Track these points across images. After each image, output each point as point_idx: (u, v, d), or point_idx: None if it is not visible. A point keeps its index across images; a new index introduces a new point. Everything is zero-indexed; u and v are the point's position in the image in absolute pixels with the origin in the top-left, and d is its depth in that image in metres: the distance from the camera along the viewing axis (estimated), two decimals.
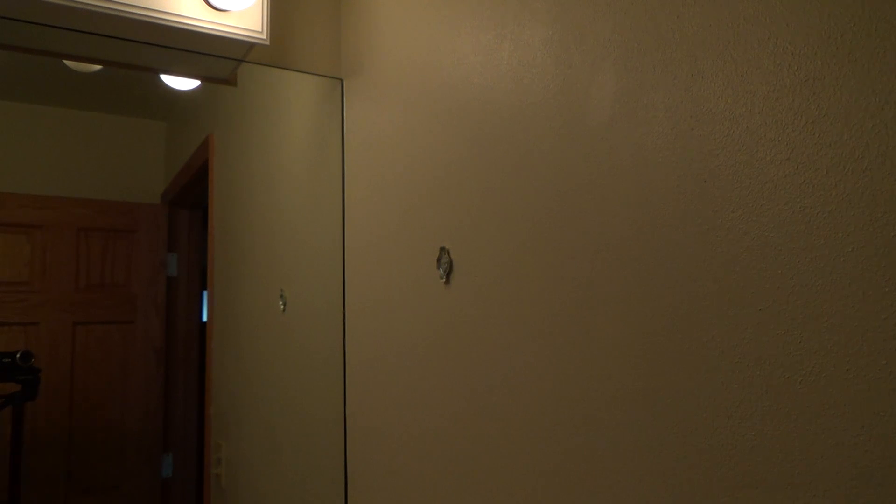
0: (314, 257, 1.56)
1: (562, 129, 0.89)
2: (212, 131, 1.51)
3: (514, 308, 0.97)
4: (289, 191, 1.58)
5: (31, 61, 1.34)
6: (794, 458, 0.60)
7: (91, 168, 1.36)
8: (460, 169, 1.11)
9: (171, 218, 1.43)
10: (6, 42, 1.29)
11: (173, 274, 1.43)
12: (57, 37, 1.31)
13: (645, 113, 0.76)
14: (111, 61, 1.40)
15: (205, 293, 1.48)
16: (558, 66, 0.90)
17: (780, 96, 0.62)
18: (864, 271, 0.55)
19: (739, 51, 0.66)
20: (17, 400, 1.25)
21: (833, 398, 0.57)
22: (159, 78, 1.45)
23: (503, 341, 0.99)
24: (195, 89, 1.49)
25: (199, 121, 1.51)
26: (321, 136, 1.60)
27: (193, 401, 1.43)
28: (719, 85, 0.68)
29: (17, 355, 1.26)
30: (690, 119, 0.70)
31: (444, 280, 1.14)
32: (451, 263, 1.12)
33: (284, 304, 1.53)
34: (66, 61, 1.36)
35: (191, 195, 1.48)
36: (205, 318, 1.47)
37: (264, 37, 1.42)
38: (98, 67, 1.39)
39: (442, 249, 1.14)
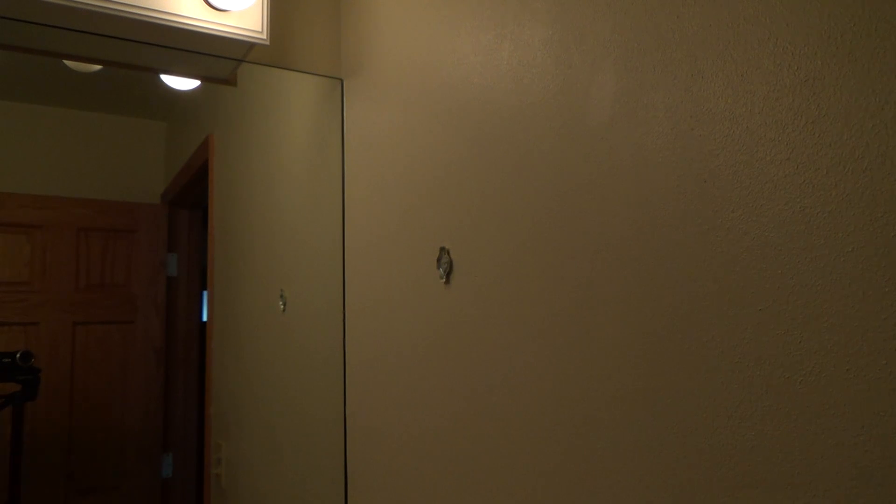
0: (314, 257, 1.56)
1: (562, 129, 0.89)
2: (212, 131, 1.51)
3: (514, 308, 0.97)
4: (289, 191, 1.58)
5: (31, 61, 1.34)
6: (794, 458, 0.60)
7: (91, 168, 1.36)
8: (460, 169, 1.11)
9: (171, 218, 1.43)
10: (6, 42, 1.29)
11: (173, 274, 1.43)
12: (57, 37, 1.31)
13: (645, 113, 0.76)
14: (111, 61, 1.40)
15: (205, 293, 1.48)
16: (558, 66, 0.90)
17: (780, 96, 0.62)
18: (864, 271, 0.55)
19: (739, 51, 0.66)
20: (17, 400, 1.25)
21: (833, 398, 0.57)
22: (159, 78, 1.45)
23: (503, 341, 0.99)
24: (195, 89, 1.49)
25: (199, 121, 1.51)
26: (321, 136, 1.60)
27: (193, 401, 1.43)
28: (719, 85, 0.68)
29: (17, 355, 1.26)
30: (690, 119, 0.70)
31: (444, 280, 1.14)
32: (451, 263, 1.12)
33: (284, 304, 1.53)
34: (66, 61, 1.36)
35: (191, 195, 1.48)
36: (205, 318, 1.47)
37: (264, 37, 1.42)
38: (98, 67, 1.39)
39: (442, 249, 1.14)
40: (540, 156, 0.93)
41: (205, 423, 1.43)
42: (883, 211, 0.54)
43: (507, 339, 0.98)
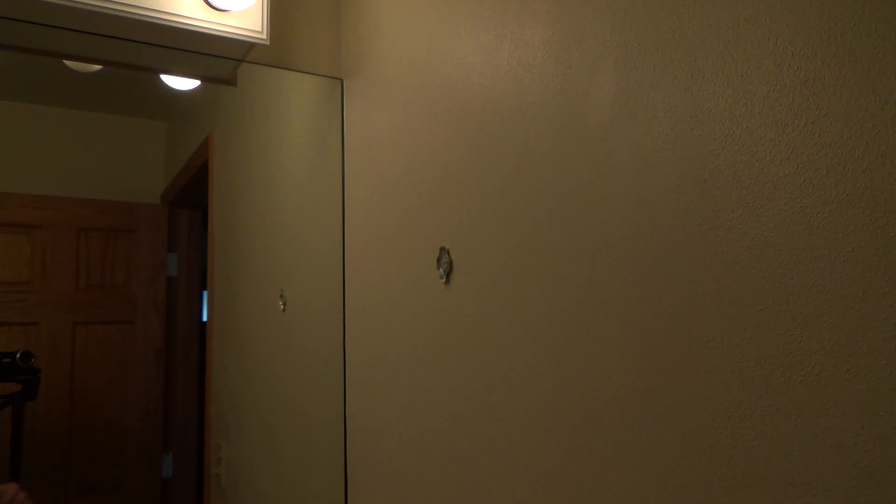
0: (314, 257, 1.56)
1: (562, 129, 0.89)
2: (212, 131, 1.51)
3: (514, 308, 0.97)
4: (289, 191, 1.58)
5: (31, 61, 1.34)
6: (794, 458, 0.60)
7: (91, 168, 1.36)
8: (460, 169, 1.11)
9: (171, 218, 1.43)
10: (6, 42, 1.29)
11: (173, 274, 1.43)
12: (57, 37, 1.31)
13: (645, 113, 0.76)
14: (111, 61, 1.40)
15: (205, 293, 1.48)
16: (558, 66, 0.90)
17: (780, 96, 0.62)
18: (864, 271, 0.55)
19: (739, 51, 0.66)
20: (17, 400, 1.25)
21: (833, 398, 0.57)
22: (159, 78, 1.45)
23: (503, 341, 0.99)
24: (195, 89, 1.49)
25: (199, 121, 1.51)
26: (321, 136, 1.60)
27: (193, 401, 1.43)
28: (719, 85, 0.68)
29: (17, 355, 1.26)
30: (690, 119, 0.70)
31: (444, 280, 1.14)
32: (451, 263, 1.12)
33: (284, 304, 1.53)
34: (66, 61, 1.36)
35: (191, 195, 1.48)
36: (205, 318, 1.47)
37: (264, 37, 1.42)
38: (98, 67, 1.39)
39: (442, 249, 1.14)
40: (540, 156, 0.93)
41: (205, 423, 1.43)
42: (883, 211, 0.54)
43: (507, 339, 0.98)
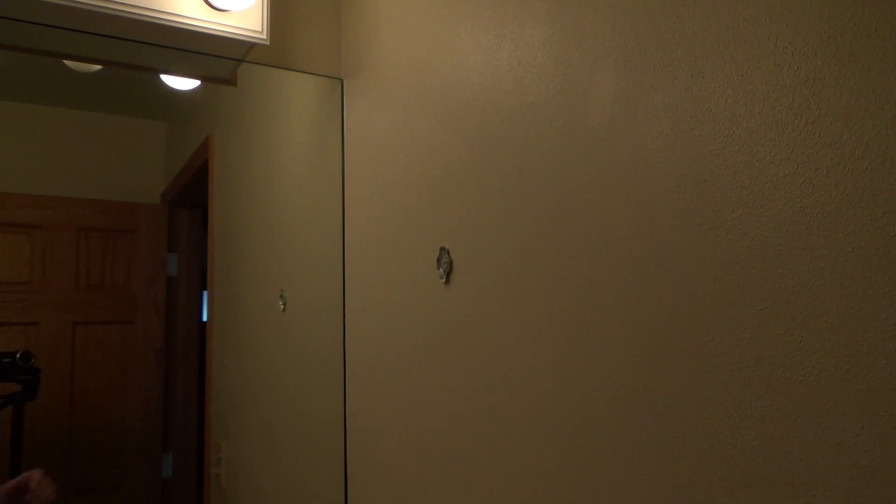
0: (314, 257, 1.56)
1: (562, 129, 0.89)
2: (212, 131, 1.51)
3: (514, 308, 0.97)
4: (289, 191, 1.58)
5: (31, 61, 1.34)
6: (794, 458, 0.60)
7: (91, 168, 1.36)
8: (460, 169, 1.11)
9: (171, 218, 1.43)
10: (6, 42, 1.29)
11: (173, 274, 1.43)
12: (57, 37, 1.31)
13: (645, 113, 0.76)
14: (111, 61, 1.40)
15: (205, 293, 1.48)
16: (558, 66, 0.90)
17: (780, 96, 0.62)
18: (864, 271, 0.55)
19: (739, 51, 0.66)
20: (17, 400, 1.25)
21: (833, 398, 0.57)
22: (159, 78, 1.45)
23: (503, 341, 0.99)
24: (195, 89, 1.49)
25: (199, 121, 1.51)
26: (321, 136, 1.60)
27: (193, 401, 1.43)
28: (719, 85, 0.68)
29: (17, 355, 1.26)
30: (690, 119, 0.70)
31: (444, 280, 1.14)
32: (451, 263, 1.12)
33: (284, 304, 1.53)
34: (66, 61, 1.36)
35: (191, 195, 1.48)
36: (205, 318, 1.47)
37: (264, 37, 1.42)
38: (98, 67, 1.39)
39: (442, 249, 1.14)
40: (540, 156, 0.93)
41: (205, 423, 1.43)
42: (883, 211, 0.54)
43: (507, 339, 0.98)
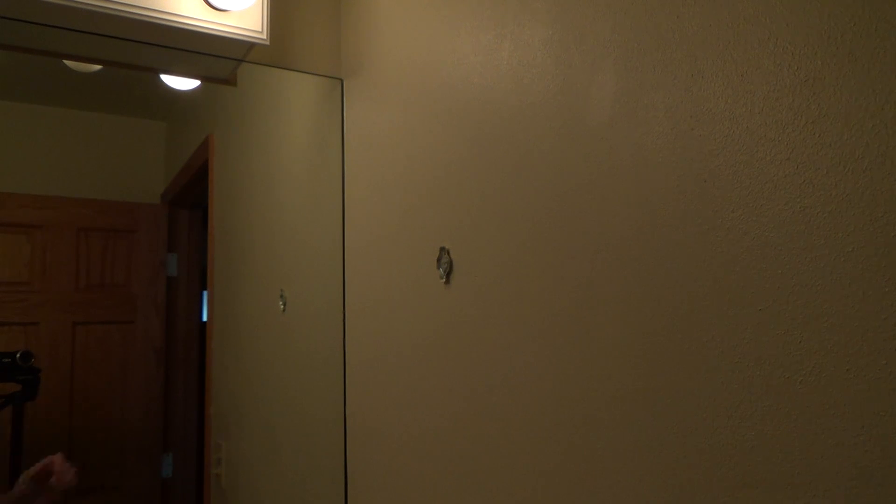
0: (314, 257, 1.56)
1: (562, 129, 0.89)
2: (212, 131, 1.51)
3: (514, 308, 0.97)
4: (289, 191, 1.58)
5: (31, 61, 1.34)
6: (794, 458, 0.60)
7: (91, 168, 1.36)
8: (460, 169, 1.11)
9: (171, 218, 1.43)
10: (6, 42, 1.29)
11: (173, 274, 1.43)
12: (57, 37, 1.31)
13: (645, 113, 0.76)
14: (111, 61, 1.40)
15: (205, 293, 1.48)
16: (558, 66, 0.90)
17: (780, 96, 0.62)
18: (864, 271, 0.55)
19: (739, 51, 0.66)
20: (17, 400, 1.25)
21: (833, 398, 0.57)
22: (159, 78, 1.45)
23: (503, 341, 0.99)
24: (195, 89, 1.49)
25: (199, 121, 1.51)
26: (321, 136, 1.60)
27: (193, 401, 1.43)
28: (719, 85, 0.68)
29: (17, 355, 1.26)
30: (690, 119, 0.70)
31: (444, 280, 1.14)
32: (451, 263, 1.12)
33: (284, 304, 1.53)
34: (66, 61, 1.36)
35: (191, 195, 1.48)
36: (205, 318, 1.47)
37: (264, 37, 1.42)
38: (98, 67, 1.39)
39: (442, 249, 1.14)
40: (540, 156, 0.93)
41: (205, 423, 1.43)
42: (883, 211, 0.54)
43: (507, 339, 0.98)
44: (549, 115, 0.91)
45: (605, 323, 0.81)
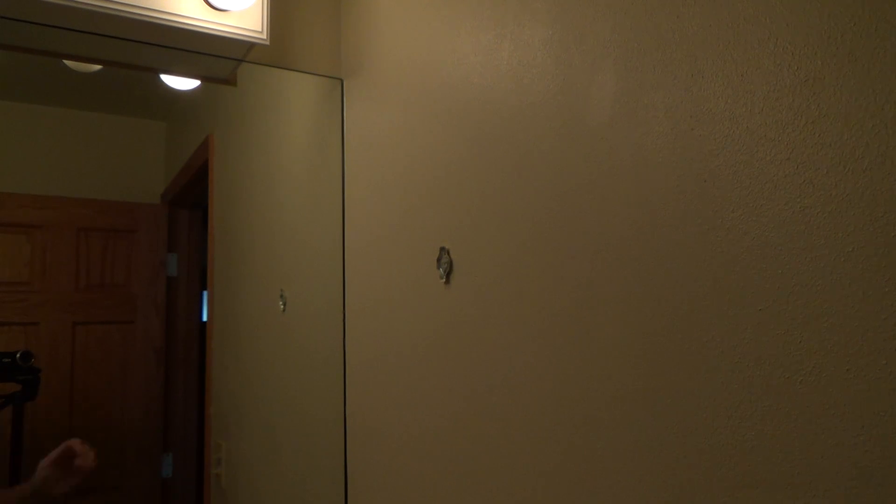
0: (314, 257, 1.56)
1: (562, 129, 0.89)
2: (212, 131, 1.51)
3: (514, 308, 0.97)
4: (289, 191, 1.58)
5: (31, 61, 1.34)
6: (794, 458, 0.60)
7: (91, 168, 1.36)
8: (460, 169, 1.11)
9: (171, 218, 1.43)
10: (6, 42, 1.29)
11: (173, 274, 1.43)
12: (57, 37, 1.31)
13: (645, 113, 0.76)
14: (111, 61, 1.40)
15: (205, 293, 1.48)
16: (558, 66, 0.90)
17: (780, 96, 0.62)
18: (864, 271, 0.55)
19: (739, 51, 0.66)
20: (17, 400, 1.25)
21: (833, 398, 0.57)
22: (159, 78, 1.45)
23: (503, 341, 0.99)
24: (195, 89, 1.49)
25: (199, 121, 1.51)
26: (321, 136, 1.60)
27: (193, 401, 1.43)
28: (719, 85, 0.68)
29: (17, 355, 1.26)
30: (690, 119, 0.70)
31: (444, 280, 1.14)
32: (451, 263, 1.12)
33: (284, 304, 1.53)
34: (66, 61, 1.36)
35: (191, 195, 1.48)
36: (205, 318, 1.47)
37: (264, 37, 1.42)
38: (98, 67, 1.39)
39: (442, 249, 1.14)
40: (540, 156, 0.93)
41: (205, 423, 1.43)
42: (883, 211, 0.54)
43: (507, 339, 0.98)
44: (549, 115, 0.91)
45: (605, 323, 0.81)
